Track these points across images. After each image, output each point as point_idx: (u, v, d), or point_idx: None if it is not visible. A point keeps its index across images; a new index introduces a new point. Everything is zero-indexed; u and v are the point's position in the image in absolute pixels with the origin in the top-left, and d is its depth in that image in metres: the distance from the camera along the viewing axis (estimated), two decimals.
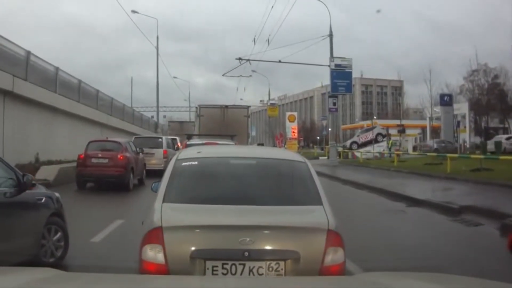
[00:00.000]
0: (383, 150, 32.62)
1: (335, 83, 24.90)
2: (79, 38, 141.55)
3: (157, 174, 12.90)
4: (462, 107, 52.08)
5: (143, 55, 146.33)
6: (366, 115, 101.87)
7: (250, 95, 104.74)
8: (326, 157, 37.21)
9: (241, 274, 2.78)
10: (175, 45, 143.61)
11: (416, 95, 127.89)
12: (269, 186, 3.49)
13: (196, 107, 21.50)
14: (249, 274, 2.79)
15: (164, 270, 2.78)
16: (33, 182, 4.68)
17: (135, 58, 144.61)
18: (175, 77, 62.69)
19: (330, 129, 57.00)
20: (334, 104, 25.42)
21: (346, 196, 12.75)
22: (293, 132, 60.86)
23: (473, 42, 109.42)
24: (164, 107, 67.67)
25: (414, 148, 49.15)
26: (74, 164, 16.29)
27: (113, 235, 6.76)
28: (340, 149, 44.36)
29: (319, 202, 3.26)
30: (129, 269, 3.03)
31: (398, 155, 26.43)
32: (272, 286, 2.21)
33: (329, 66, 25.01)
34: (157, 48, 35.62)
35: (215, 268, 2.79)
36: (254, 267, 2.79)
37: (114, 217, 7.89)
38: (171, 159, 3.80)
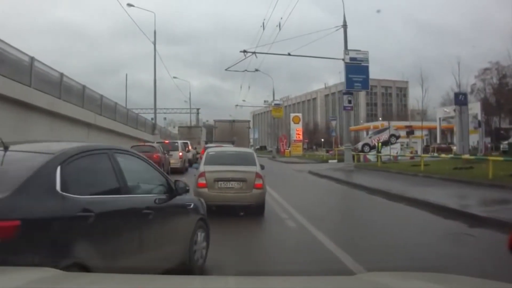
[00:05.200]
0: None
1: (350, 79, 22.35)
2: (75, 42, 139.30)
3: (175, 171, 19.37)
4: (474, 107, 49.38)
5: (141, 59, 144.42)
6: (371, 117, 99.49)
7: (250, 97, 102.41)
8: (335, 161, 34.77)
9: (228, 187, 8.55)
10: (171, 49, 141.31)
11: (419, 97, 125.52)
12: (239, 159, 9.54)
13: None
14: (231, 185, 8.59)
15: (205, 185, 8.49)
16: (187, 188, 4.80)
17: (133, 61, 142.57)
18: (175, 77, 60.80)
19: (336, 131, 54.71)
20: (350, 101, 22.86)
21: (383, 212, 10.21)
22: (298, 134, 58.38)
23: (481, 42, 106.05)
24: (164, 109, 65.61)
25: (424, 150, 46.59)
26: None
27: None
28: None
29: (255, 164, 9.21)
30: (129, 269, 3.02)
31: (412, 157, 24.21)
32: (272, 286, 2.31)
33: (343, 59, 22.47)
34: (154, 43, 33.42)
35: (221, 184, 8.57)
36: (233, 183, 8.59)
37: None
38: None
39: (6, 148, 3.34)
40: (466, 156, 20.23)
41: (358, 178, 17.57)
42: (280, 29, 22.44)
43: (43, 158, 3.33)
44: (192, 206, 4.99)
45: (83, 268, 3.03)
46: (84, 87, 19.53)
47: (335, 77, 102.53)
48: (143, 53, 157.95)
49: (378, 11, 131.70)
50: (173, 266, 4.25)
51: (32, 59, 14.63)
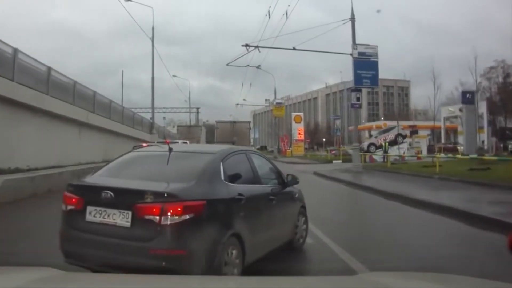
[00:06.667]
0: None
1: (358, 75, 21.11)
2: (74, 42, 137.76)
3: None
4: (479, 106, 48.11)
5: (141, 59, 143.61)
6: (372, 116, 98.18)
7: (251, 97, 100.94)
8: (340, 161, 33.53)
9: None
10: (171, 49, 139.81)
11: (421, 96, 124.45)
12: None
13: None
14: None
15: None
16: (297, 180, 5.77)
17: (132, 62, 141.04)
18: (174, 76, 59.75)
19: (339, 130, 53.31)
20: (358, 99, 21.61)
21: (409, 221, 8.93)
22: (299, 133, 56.99)
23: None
24: (164, 108, 64.35)
25: (429, 150, 45.33)
26: (35, 174, 12.62)
27: None
28: (351, 151, 40.62)
29: None
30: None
31: (419, 157, 23.06)
32: (272, 286, 2.31)
33: (351, 54, 21.24)
34: (152, 39, 32.09)
35: None
36: None
37: None
38: None
39: (170, 150, 4.43)
40: (490, 156, 19.05)
41: (370, 181, 16.33)
42: (287, 18, 21.06)
43: (209, 156, 4.44)
44: (296, 195, 6.08)
45: (239, 238, 4.00)
46: (75, 82, 18.18)
47: (336, 77, 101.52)
48: (143, 53, 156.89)
49: (378, 11, 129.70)
50: (283, 244, 5.39)
51: (16, 50, 13.34)
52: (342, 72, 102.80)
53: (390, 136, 32.73)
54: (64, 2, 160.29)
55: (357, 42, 21.44)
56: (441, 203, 10.03)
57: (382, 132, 35.02)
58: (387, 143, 31.43)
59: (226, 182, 4.23)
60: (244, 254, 4.06)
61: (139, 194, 3.67)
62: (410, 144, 39.20)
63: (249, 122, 37.39)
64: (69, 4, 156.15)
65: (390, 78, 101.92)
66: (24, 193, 10.82)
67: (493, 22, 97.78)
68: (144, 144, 20.60)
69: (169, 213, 3.56)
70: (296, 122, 56.40)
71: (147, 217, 3.59)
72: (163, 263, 3.43)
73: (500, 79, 56.10)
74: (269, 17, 21.44)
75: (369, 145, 33.51)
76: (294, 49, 20.82)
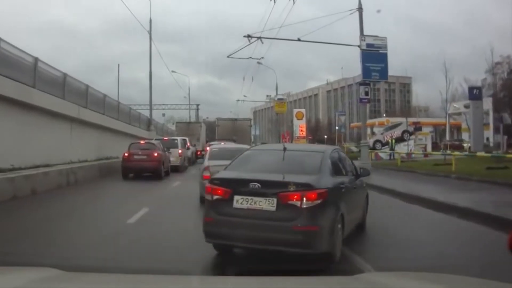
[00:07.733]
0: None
1: (367, 67, 19.94)
2: (72, 40, 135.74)
3: (174, 169, 19.79)
4: (484, 103, 46.76)
5: (140, 57, 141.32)
6: (374, 113, 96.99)
7: (250, 95, 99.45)
8: None
9: None
10: (170, 47, 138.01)
11: (422, 94, 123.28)
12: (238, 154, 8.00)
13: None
14: None
15: (209, 177, 6.39)
16: (369, 172, 7.24)
17: (132, 60, 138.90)
18: (173, 71, 58.71)
19: (340, 128, 52.29)
20: (366, 93, 20.41)
21: (429, 227, 7.78)
22: (301, 130, 55.64)
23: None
24: (163, 104, 63.15)
25: (433, 147, 44.21)
26: (16, 174, 11.45)
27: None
28: (355, 149, 39.53)
29: None
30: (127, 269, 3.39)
31: (426, 155, 22.02)
32: (272, 286, 2.31)
33: (359, 46, 20.06)
34: (150, 32, 30.93)
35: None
36: None
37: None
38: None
39: (285, 149, 5.53)
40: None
41: (382, 180, 15.11)
42: (294, 2, 19.65)
43: (320, 154, 5.66)
44: (364, 185, 7.21)
45: (342, 217, 5.12)
46: (65, 75, 16.95)
47: (336, 74, 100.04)
48: (142, 50, 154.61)
49: (378, 11, 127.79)
50: (355, 225, 6.33)
51: None
52: (343, 68, 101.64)
53: (397, 132, 31.70)
54: (61, 1, 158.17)
55: (357, 38, 20.28)
56: (470, 207, 8.88)
57: (388, 128, 33.92)
58: (393, 140, 30.38)
59: (334, 174, 5.45)
60: (343, 229, 5.14)
61: (283, 185, 4.75)
62: (414, 141, 38.05)
63: (250, 120, 37.56)
64: (66, 2, 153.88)
65: (392, 75, 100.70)
66: (2, 196, 9.68)
67: (494, 21, 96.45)
68: (142, 142, 19.53)
69: (307, 199, 4.63)
70: (297, 119, 55.14)
71: (290, 202, 4.65)
72: (303, 237, 4.55)
73: (505, 75, 54.95)
74: (274, 2, 20.00)
75: (375, 142, 32.37)
76: (299, 40, 19.60)
